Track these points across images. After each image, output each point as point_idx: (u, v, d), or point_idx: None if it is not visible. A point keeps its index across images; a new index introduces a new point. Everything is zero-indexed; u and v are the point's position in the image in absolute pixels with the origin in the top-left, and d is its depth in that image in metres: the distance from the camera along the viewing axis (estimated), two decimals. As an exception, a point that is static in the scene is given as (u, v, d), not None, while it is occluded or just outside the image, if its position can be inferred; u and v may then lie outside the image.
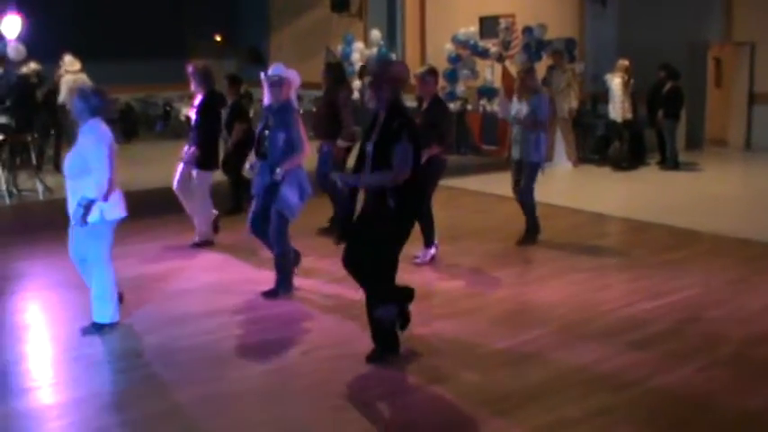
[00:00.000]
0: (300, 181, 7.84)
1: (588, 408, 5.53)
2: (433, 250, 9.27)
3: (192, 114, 10.12)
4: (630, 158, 16.20)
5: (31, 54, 15.68)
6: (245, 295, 8.05)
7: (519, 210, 10.16)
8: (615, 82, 15.87)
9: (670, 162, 16.03)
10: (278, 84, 7.89)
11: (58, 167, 15.04)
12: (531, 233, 10.12)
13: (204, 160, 9.89)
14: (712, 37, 18.99)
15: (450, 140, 9.49)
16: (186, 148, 9.97)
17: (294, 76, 8.08)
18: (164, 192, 10.81)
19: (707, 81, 19.33)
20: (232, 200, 11.84)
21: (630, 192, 14.01)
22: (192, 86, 10.05)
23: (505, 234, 10.31)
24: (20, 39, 15.37)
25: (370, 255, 6.16)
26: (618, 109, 15.90)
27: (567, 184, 14.95)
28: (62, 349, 6.82)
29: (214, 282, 8.60)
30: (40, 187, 13.16)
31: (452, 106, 17.83)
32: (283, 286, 8.02)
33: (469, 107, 18.22)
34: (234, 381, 6.06)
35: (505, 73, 17.11)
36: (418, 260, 9.09)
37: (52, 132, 15.34)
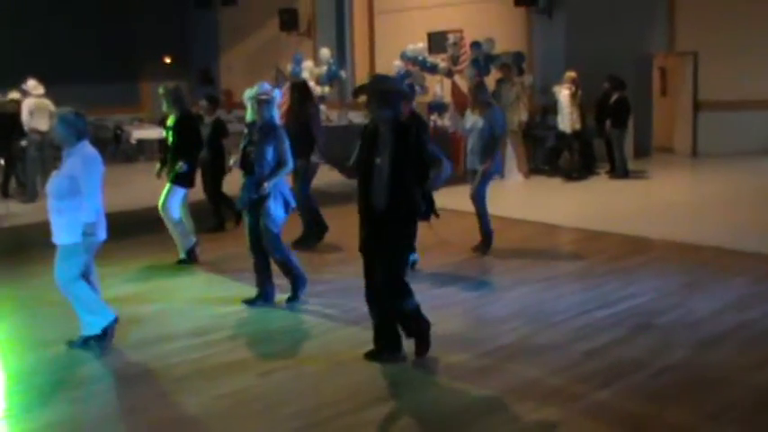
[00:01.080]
0: (284, 194, 8.16)
1: (545, 419, 5.58)
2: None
3: (169, 136, 10.05)
4: (581, 168, 16.38)
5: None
6: (204, 319, 8.01)
7: (473, 223, 10.25)
8: (563, 93, 16.06)
9: (619, 171, 16.23)
10: (266, 102, 8.18)
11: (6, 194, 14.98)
12: (487, 241, 10.26)
13: (184, 178, 9.92)
14: (657, 47, 19.31)
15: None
16: (158, 167, 10.09)
17: (277, 95, 8.48)
18: (120, 216, 10.68)
19: (653, 90, 19.65)
20: (214, 217, 11.92)
21: (581, 201, 14.17)
22: (165, 107, 10.11)
23: (459, 248, 10.37)
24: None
25: (390, 259, 6.45)
26: (566, 120, 16.09)
27: (518, 196, 15.08)
28: (14, 381, 6.71)
29: (176, 304, 8.54)
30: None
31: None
32: (300, 288, 8.32)
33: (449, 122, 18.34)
34: (189, 405, 6.03)
35: (455, 88, 17.21)
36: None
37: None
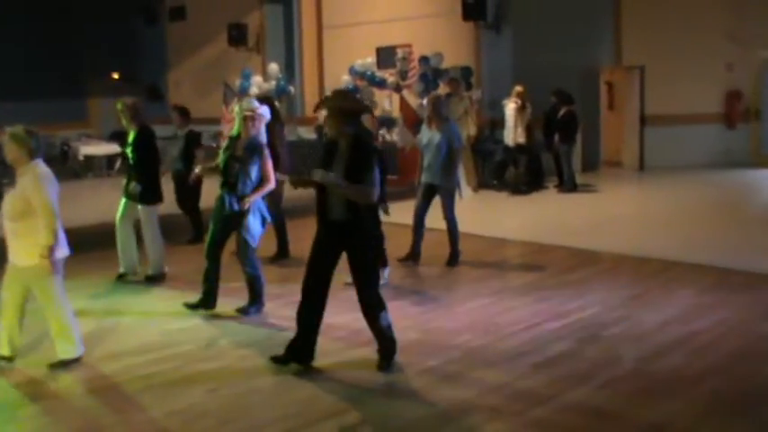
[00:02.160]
0: (261, 210, 8.34)
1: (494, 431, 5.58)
2: (387, 269, 9.57)
3: (129, 152, 9.91)
4: (528, 182, 16.48)
5: None
6: (153, 335, 7.90)
7: (421, 238, 10.29)
8: (509, 107, 16.19)
9: (567, 185, 16.36)
10: (252, 118, 8.28)
11: None
12: (455, 256, 10.43)
13: (148, 195, 9.81)
14: (604, 61, 19.53)
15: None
16: (124, 183, 9.95)
17: (266, 113, 8.53)
18: (75, 231, 10.50)
19: (600, 104, 19.86)
20: (193, 229, 11.95)
21: (530, 215, 14.24)
22: (124, 123, 9.95)
23: (407, 263, 10.36)
24: None
25: (360, 278, 6.71)
26: (510, 134, 16.22)
27: (467, 210, 15.07)
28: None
29: (127, 321, 8.42)
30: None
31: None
32: (255, 305, 8.44)
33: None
34: (137, 423, 5.93)
35: (404, 102, 17.28)
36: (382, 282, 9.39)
37: None
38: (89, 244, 10.30)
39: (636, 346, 7.22)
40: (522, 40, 17.96)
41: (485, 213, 14.63)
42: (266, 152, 8.33)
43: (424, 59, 17.34)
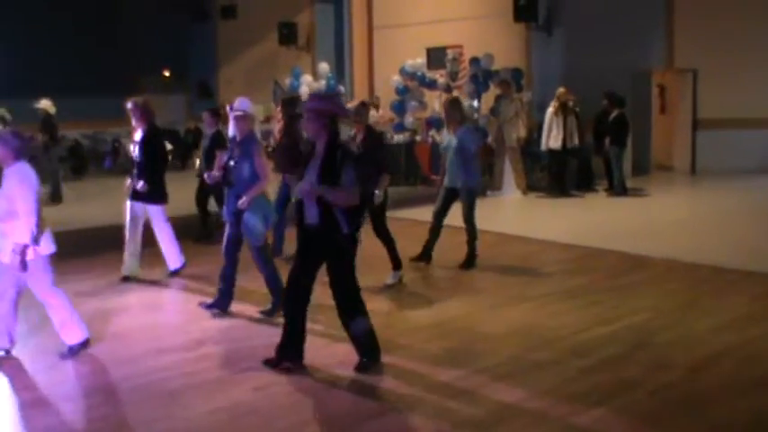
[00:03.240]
0: (263, 208, 8.26)
1: (541, 436, 5.53)
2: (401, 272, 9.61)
3: (134, 149, 10.00)
4: (552, 187, 16.28)
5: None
6: (195, 332, 7.96)
7: (461, 239, 10.25)
8: (548, 111, 16.08)
9: (617, 188, 16.20)
10: (242, 117, 8.31)
11: None
12: (471, 259, 10.34)
13: (155, 195, 9.88)
14: (655, 64, 19.32)
15: (389, 168, 9.90)
16: (129, 182, 9.97)
17: (255, 111, 8.66)
18: (116, 228, 10.62)
19: (651, 108, 19.64)
20: (202, 227, 11.99)
21: (580, 218, 14.12)
22: (133, 122, 9.98)
23: (457, 263, 10.32)
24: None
25: (336, 278, 6.69)
26: (544, 138, 16.10)
27: (516, 213, 15.06)
28: (6, 393, 6.67)
29: (167, 318, 8.49)
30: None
31: (401, 137, 17.95)
32: (278, 305, 8.26)
33: (418, 138, 18.31)
34: (183, 419, 5.96)
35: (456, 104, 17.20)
36: (390, 282, 9.50)
37: None
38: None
39: (686, 353, 7.11)
40: (573, 42, 17.84)
41: (533, 216, 14.55)
42: (258, 149, 8.31)
43: (474, 61, 17.29)
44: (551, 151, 16.19)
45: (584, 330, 7.75)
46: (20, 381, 6.84)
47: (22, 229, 6.73)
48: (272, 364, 6.78)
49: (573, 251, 11.45)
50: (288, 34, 23.20)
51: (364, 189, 6.96)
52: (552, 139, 16.02)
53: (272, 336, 7.30)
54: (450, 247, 10.55)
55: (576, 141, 16.15)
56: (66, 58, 22.81)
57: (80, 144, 21.75)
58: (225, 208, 8.53)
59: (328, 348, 7.38)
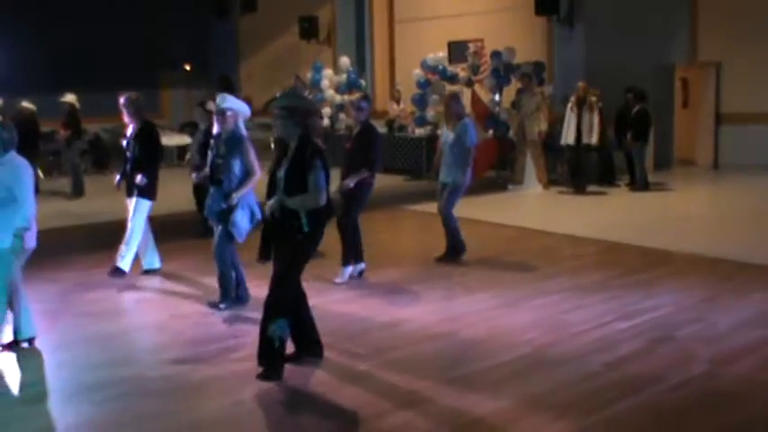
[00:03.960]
0: (251, 206, 8.25)
1: (561, 431, 5.50)
2: (349, 269, 9.51)
3: (127, 146, 9.89)
4: (571, 183, 16.18)
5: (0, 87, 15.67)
6: (218, 325, 7.99)
7: (491, 233, 10.20)
8: (568, 106, 16.02)
9: (640, 183, 16.13)
10: (221, 114, 8.26)
11: None
12: (451, 252, 10.30)
13: (145, 190, 9.77)
14: (678, 58, 19.21)
15: (380, 165, 9.78)
16: (117, 179, 9.97)
17: (241, 107, 8.38)
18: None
19: (674, 102, 19.53)
20: (205, 222, 12.01)
21: (601, 213, 14.06)
22: (125, 118, 9.84)
23: (477, 258, 10.32)
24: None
25: (280, 273, 6.45)
26: (563, 132, 16.03)
27: (537, 207, 15.01)
28: (33, 382, 6.72)
29: (190, 310, 8.52)
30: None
31: (422, 131, 17.92)
32: (226, 301, 8.43)
33: (439, 132, 18.25)
34: (204, 410, 5.99)
35: (475, 97, 17.19)
36: (338, 280, 9.37)
37: None
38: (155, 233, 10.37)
39: (708, 348, 7.07)
40: (595, 36, 17.71)
41: (554, 210, 14.50)
42: (246, 145, 8.24)
43: (495, 54, 17.23)
44: (568, 146, 16.14)
45: (605, 325, 7.72)
46: (41, 371, 6.89)
47: (22, 215, 6.91)
48: (293, 359, 6.73)
49: (594, 246, 11.40)
50: (309, 28, 23.19)
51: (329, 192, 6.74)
52: (570, 134, 15.97)
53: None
54: (478, 243, 10.54)
55: (594, 139, 15.95)
56: (87, 53, 22.87)
57: (101, 138, 21.84)
58: (208, 207, 8.47)
59: (347, 343, 7.40)
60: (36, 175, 15.82)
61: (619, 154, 16.89)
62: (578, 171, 16.13)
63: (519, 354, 7.01)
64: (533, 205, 15.11)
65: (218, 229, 8.34)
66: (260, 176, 8.32)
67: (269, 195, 6.69)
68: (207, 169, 8.67)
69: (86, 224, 12.78)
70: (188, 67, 26.16)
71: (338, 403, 6.10)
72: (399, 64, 22.02)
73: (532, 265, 10.26)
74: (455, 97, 10.61)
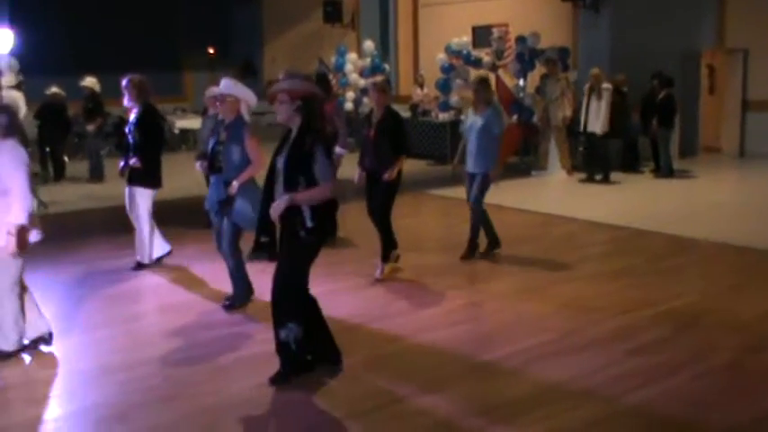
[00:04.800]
0: (254, 193, 7.61)
1: (582, 418, 5.49)
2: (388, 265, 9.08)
3: (129, 130, 9.50)
4: (587, 170, 16.03)
5: (24, 69, 15.73)
6: (241, 309, 8.01)
7: (514, 219, 10.16)
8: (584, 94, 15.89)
9: (664, 170, 16.02)
10: (221, 99, 7.94)
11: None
12: (493, 243, 9.96)
13: (146, 177, 9.39)
14: (705, 44, 19.02)
15: (408, 150, 9.31)
16: (121, 165, 9.50)
17: (245, 94, 8.01)
18: (159, 204, 10.61)
19: (700, 88, 19.36)
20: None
21: (626, 200, 13.98)
22: (126, 101, 9.40)
23: (503, 243, 10.27)
24: (12, 53, 15.37)
25: (283, 272, 6.06)
26: (581, 119, 15.87)
27: (561, 193, 14.95)
28: (59, 362, 6.76)
29: (211, 295, 8.55)
30: (34, 201, 12.99)
31: (446, 116, 17.88)
32: (239, 299, 8.08)
33: (462, 117, 18.19)
34: (231, 394, 6.02)
35: (499, 82, 17.11)
36: (378, 276, 8.97)
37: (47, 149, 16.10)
38: (179, 216, 10.39)
39: (733, 337, 7.03)
40: (621, 21, 17.56)
41: (578, 196, 14.43)
42: (248, 132, 7.84)
43: (520, 39, 17.14)
44: (584, 134, 15.93)
45: (628, 312, 7.70)
46: (70, 353, 6.94)
47: (16, 209, 6.42)
48: (310, 368, 6.34)
49: (618, 232, 11.35)
50: (333, 12, 23.15)
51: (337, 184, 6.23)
52: (584, 121, 15.76)
53: (340, 306, 7.16)
54: (503, 229, 10.50)
55: (598, 128, 15.56)
56: (111, 36, 22.95)
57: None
58: (208, 196, 8.13)
59: (371, 326, 7.41)
60: (62, 160, 16.09)
61: (644, 140, 16.77)
62: (590, 159, 15.99)
63: (542, 339, 7.00)
64: (557, 191, 15.05)
65: (223, 225, 7.95)
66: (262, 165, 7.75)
67: (267, 185, 6.18)
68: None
69: (110, 207, 12.84)
70: (212, 51, 26.19)
71: (361, 386, 6.11)
72: (423, 48, 21.96)
73: (556, 251, 10.23)
74: (485, 82, 10.06)
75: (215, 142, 8.01)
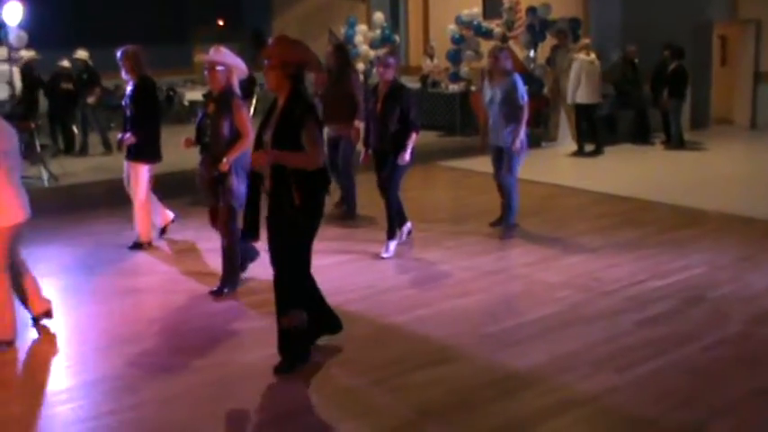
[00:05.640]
0: (246, 169, 7.02)
1: (593, 388, 5.52)
2: (394, 242, 8.93)
3: (126, 103, 9.22)
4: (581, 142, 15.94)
5: (33, 41, 15.70)
6: (250, 282, 8.04)
7: (525, 190, 10.14)
8: None
9: (675, 141, 15.98)
10: (210, 68, 7.46)
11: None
12: (506, 222, 9.75)
13: (143, 151, 9.09)
14: (718, 15, 18.88)
15: (418, 126, 8.94)
16: (120, 137, 9.18)
17: (236, 62, 7.57)
18: (163, 177, 10.57)
19: (712, 60, 19.24)
20: None
21: (635, 171, 13.94)
22: (123, 74, 9.13)
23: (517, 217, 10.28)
24: (21, 26, 15.33)
25: (279, 256, 5.83)
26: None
27: (571, 164, 14.92)
28: (69, 334, 6.84)
29: (216, 265, 8.57)
30: (44, 174, 13.05)
31: (456, 87, 17.82)
32: (229, 283, 7.68)
33: (473, 88, 18.12)
34: (242, 364, 6.07)
35: (510, 53, 17.00)
36: (385, 255, 8.80)
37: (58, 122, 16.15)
38: (185, 188, 10.39)
39: (742, 308, 7.04)
40: (633, -8, 17.47)
41: (588, 168, 14.41)
42: (237, 103, 7.40)
43: (531, 10, 17.04)
44: (577, 106, 15.78)
45: (638, 283, 7.71)
46: (80, 324, 7.00)
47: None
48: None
49: (628, 203, 11.33)
50: (343, -17, 23.05)
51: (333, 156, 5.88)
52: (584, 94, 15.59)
53: (323, 282, 6.97)
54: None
55: (576, 98, 15.48)
56: (120, 9, 22.88)
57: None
58: (199, 176, 7.73)
59: (377, 297, 7.44)
60: (71, 132, 16.11)
61: (654, 112, 16.71)
62: (578, 131, 15.86)
63: (552, 311, 7.03)
64: (567, 163, 15.01)
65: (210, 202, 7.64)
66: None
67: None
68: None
69: (114, 179, 12.84)
70: (221, 23, 26.10)
71: (371, 358, 6.16)
72: (433, 19, 21.84)
73: (566, 222, 10.24)
74: (503, 51, 9.88)
75: (203, 114, 7.68)
